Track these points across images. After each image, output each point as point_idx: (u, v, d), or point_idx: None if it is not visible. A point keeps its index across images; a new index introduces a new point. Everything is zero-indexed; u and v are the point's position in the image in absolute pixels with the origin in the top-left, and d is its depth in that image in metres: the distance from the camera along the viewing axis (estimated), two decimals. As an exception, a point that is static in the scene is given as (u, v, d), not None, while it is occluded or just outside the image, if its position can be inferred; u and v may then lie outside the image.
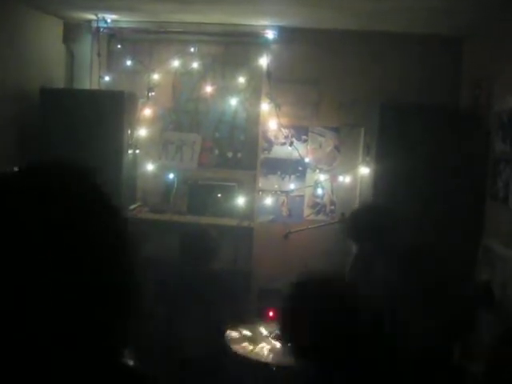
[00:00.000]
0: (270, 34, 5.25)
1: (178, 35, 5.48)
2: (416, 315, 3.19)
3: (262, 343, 3.75)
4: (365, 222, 3.79)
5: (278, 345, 3.71)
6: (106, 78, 5.43)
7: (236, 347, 3.65)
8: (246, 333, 3.89)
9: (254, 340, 3.78)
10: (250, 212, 5.49)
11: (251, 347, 3.67)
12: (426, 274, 3.18)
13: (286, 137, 5.38)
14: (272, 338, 3.78)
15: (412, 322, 3.20)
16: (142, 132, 5.34)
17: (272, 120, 5.35)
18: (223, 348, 3.72)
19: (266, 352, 3.65)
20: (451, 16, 4.28)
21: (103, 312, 1.06)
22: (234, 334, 3.82)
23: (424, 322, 3.16)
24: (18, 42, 4.64)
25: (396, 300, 3.30)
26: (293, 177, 5.47)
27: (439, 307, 3.14)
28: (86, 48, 5.46)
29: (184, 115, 5.73)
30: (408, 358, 3.16)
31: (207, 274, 4.21)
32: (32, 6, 4.75)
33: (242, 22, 5.16)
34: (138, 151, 5.18)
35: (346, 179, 5.31)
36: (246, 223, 5.40)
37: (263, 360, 3.56)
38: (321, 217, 5.43)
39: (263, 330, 3.96)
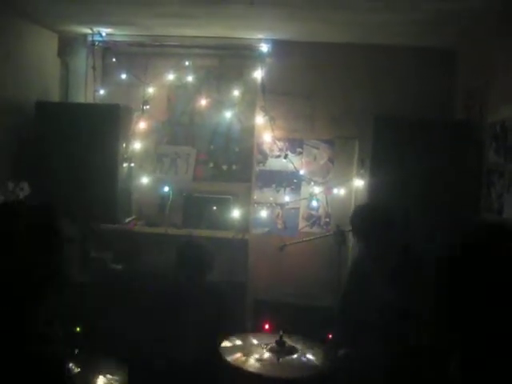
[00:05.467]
0: (264, 48, 5.28)
1: (173, 49, 5.51)
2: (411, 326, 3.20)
3: (256, 355, 3.72)
4: (370, 215, 3.77)
5: (272, 357, 3.69)
6: (101, 92, 5.46)
7: (230, 359, 3.63)
8: (240, 343, 3.87)
9: (248, 351, 3.76)
10: (245, 224, 5.49)
11: (245, 359, 3.64)
12: (420, 286, 3.18)
13: (281, 149, 5.40)
14: (267, 350, 3.76)
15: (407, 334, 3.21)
16: (137, 145, 5.35)
17: (267, 133, 5.37)
18: (218, 360, 3.71)
19: (260, 364, 3.63)
20: (443, 28, 4.33)
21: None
22: (228, 344, 3.80)
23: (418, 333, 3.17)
24: (14, 55, 4.65)
25: (391, 312, 3.31)
26: (288, 189, 5.48)
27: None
28: (81, 61, 5.47)
29: (179, 128, 5.76)
30: (402, 367, 3.17)
31: (203, 286, 4.20)
32: (27, 19, 4.77)
33: (237, 36, 5.19)
34: (132, 164, 5.19)
35: (340, 191, 5.33)
36: (241, 235, 5.40)
37: (257, 372, 3.54)
38: (316, 229, 5.44)
39: (256, 341, 3.94)
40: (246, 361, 3.60)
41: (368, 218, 3.75)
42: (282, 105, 5.37)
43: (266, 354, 3.70)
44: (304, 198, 5.45)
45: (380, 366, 3.28)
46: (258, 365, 3.57)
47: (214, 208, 5.54)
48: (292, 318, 4.53)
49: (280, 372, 3.58)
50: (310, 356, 3.76)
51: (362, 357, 3.44)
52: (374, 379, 3.31)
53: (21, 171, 4.49)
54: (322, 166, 5.46)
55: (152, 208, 5.66)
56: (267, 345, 3.80)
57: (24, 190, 3.50)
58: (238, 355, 3.65)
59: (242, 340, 3.92)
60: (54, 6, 4.29)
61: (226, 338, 3.88)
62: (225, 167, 5.72)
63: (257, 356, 3.67)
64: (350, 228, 4.08)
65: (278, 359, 3.67)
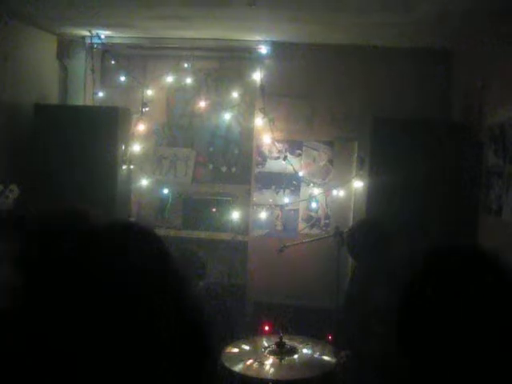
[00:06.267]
0: (263, 49, 5.28)
1: (172, 51, 5.51)
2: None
3: (258, 358, 3.71)
4: (362, 239, 3.77)
5: (273, 360, 3.69)
6: (100, 94, 5.45)
7: (231, 362, 3.62)
8: (242, 347, 3.86)
9: (250, 355, 3.75)
10: (245, 226, 5.50)
11: (247, 362, 3.64)
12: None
13: (280, 151, 5.40)
14: (268, 353, 3.76)
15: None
16: (136, 147, 5.34)
17: (266, 134, 5.37)
18: (219, 363, 3.70)
19: (262, 367, 3.62)
20: (439, 29, 4.32)
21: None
22: (229, 348, 3.79)
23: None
24: (13, 57, 4.65)
25: (392, 319, 3.29)
26: (287, 191, 5.48)
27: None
28: (79, 64, 5.47)
29: (178, 130, 5.75)
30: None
31: (202, 288, 4.20)
32: (26, 22, 4.77)
33: (236, 38, 5.19)
34: (132, 166, 5.18)
35: (340, 193, 5.33)
36: (240, 237, 5.41)
37: (259, 376, 3.53)
38: (315, 230, 5.44)
39: (259, 344, 3.92)
40: (249, 366, 3.58)
41: (358, 245, 3.76)
42: (281, 106, 5.37)
43: (268, 357, 3.69)
44: (303, 200, 5.45)
45: (383, 369, 3.27)
46: (260, 368, 3.56)
47: (214, 210, 5.54)
48: (292, 320, 4.53)
49: (283, 374, 3.57)
50: (311, 355, 3.76)
51: (365, 359, 3.43)
52: (378, 379, 3.31)
53: (19, 173, 4.49)
54: (321, 167, 5.46)
55: (151, 210, 5.66)
56: (267, 347, 3.79)
57: (14, 192, 3.48)
58: (241, 364, 3.62)
59: (240, 347, 3.90)
60: (53, 8, 4.29)
61: (227, 344, 3.85)
62: (224, 169, 5.72)
63: (258, 360, 3.65)
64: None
65: (280, 361, 3.66)
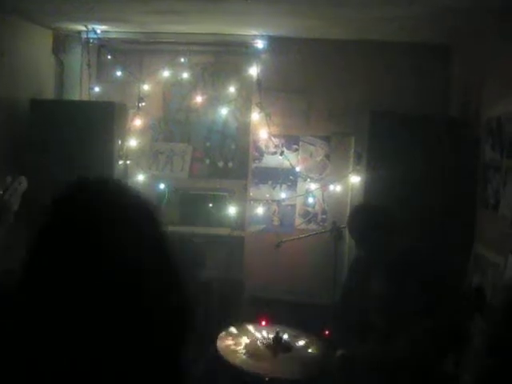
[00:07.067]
0: (260, 44, 5.27)
1: (168, 45, 5.49)
2: (411, 324, 3.19)
3: (255, 353, 3.70)
4: (365, 220, 3.75)
5: (270, 355, 3.68)
6: (96, 89, 5.43)
7: (228, 357, 3.61)
8: (239, 340, 3.84)
9: (246, 348, 3.73)
10: (242, 221, 5.49)
11: (243, 356, 3.62)
12: (420, 283, 3.18)
13: (277, 146, 5.39)
14: (264, 348, 3.75)
15: (407, 331, 3.20)
16: (133, 142, 5.33)
17: (263, 129, 5.36)
18: (215, 357, 3.69)
19: (257, 362, 3.61)
20: (439, 24, 4.32)
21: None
22: (225, 341, 3.78)
23: (418, 330, 3.16)
24: (8, 52, 4.62)
25: (391, 310, 3.30)
26: (284, 186, 5.48)
27: (433, 317, 3.14)
28: (75, 59, 5.45)
29: (174, 125, 5.74)
30: (402, 366, 3.17)
31: (199, 283, 4.19)
32: (22, 16, 4.74)
33: (232, 32, 5.18)
34: (128, 161, 5.16)
35: (336, 188, 5.32)
36: (237, 232, 5.40)
37: (255, 370, 3.52)
38: (312, 226, 5.43)
39: (256, 335, 3.90)
40: (245, 360, 3.57)
41: (360, 223, 3.73)
42: (278, 101, 5.36)
43: (264, 352, 3.68)
44: (300, 195, 5.45)
45: (380, 366, 3.27)
46: (253, 362, 3.55)
47: (210, 205, 5.53)
48: (289, 315, 4.52)
49: (279, 369, 3.56)
50: (307, 351, 3.75)
51: (362, 356, 3.42)
52: (374, 379, 3.30)
53: (15, 168, 4.47)
54: (318, 162, 5.45)
55: (148, 205, 5.64)
56: (264, 342, 3.78)
57: (22, 185, 3.48)
58: (237, 353, 3.62)
59: (237, 340, 3.88)
60: (48, 3, 4.26)
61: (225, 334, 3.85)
62: (221, 164, 5.71)
63: (254, 355, 3.64)
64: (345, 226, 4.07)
65: (276, 356, 3.65)
